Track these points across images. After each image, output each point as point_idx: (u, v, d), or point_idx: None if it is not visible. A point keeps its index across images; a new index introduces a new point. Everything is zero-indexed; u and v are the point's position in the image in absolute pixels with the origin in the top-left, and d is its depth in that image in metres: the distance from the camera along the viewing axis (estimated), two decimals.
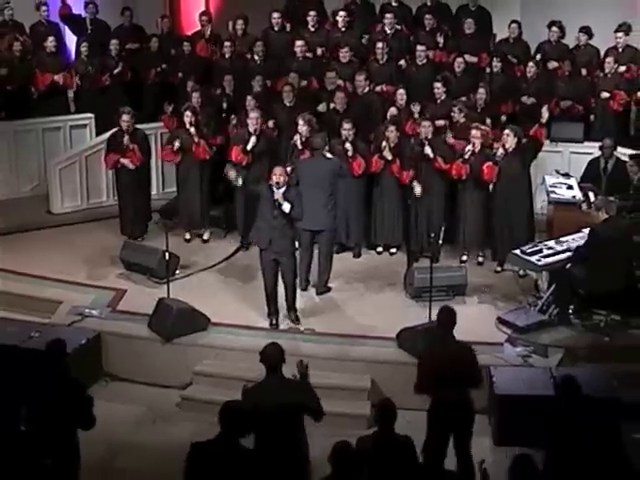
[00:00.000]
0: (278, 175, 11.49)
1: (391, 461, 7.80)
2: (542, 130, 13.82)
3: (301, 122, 13.32)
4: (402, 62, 15.89)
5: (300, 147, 13.29)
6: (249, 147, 13.51)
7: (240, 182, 12.71)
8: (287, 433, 8.33)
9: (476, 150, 13.22)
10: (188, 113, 13.90)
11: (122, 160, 13.84)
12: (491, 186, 13.22)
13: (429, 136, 13.36)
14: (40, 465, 7.96)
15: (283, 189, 11.47)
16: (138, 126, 14.25)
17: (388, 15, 16.35)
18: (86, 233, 14.59)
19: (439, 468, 8.20)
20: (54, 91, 15.94)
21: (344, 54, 15.55)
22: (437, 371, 9.19)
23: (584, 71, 15.70)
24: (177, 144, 13.83)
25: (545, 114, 13.67)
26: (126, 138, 13.86)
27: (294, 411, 8.37)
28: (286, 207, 11.43)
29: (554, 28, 15.98)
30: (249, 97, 14.38)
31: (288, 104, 14.50)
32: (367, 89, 14.86)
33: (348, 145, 13.32)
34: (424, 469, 7.91)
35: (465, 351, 9.46)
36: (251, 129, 13.55)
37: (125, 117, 13.87)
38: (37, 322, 11.92)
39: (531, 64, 15.38)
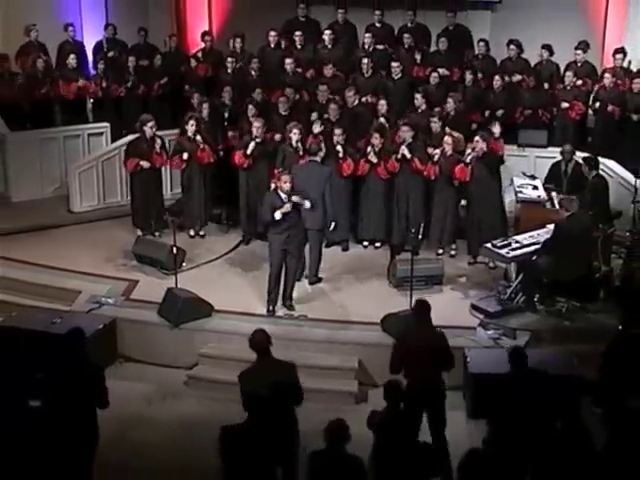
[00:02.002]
0: (285, 182, 11.53)
1: (397, 435, 7.80)
2: (498, 143, 13.69)
3: (294, 130, 13.31)
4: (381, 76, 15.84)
5: (296, 152, 13.22)
6: (249, 151, 13.48)
7: (308, 204, 11.91)
8: (279, 410, 8.25)
9: (447, 154, 13.23)
10: (192, 122, 13.83)
11: (142, 162, 13.76)
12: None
13: (408, 140, 13.34)
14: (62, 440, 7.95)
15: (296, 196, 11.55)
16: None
17: (367, 35, 16.45)
18: (102, 230, 14.52)
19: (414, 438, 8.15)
20: (75, 103, 15.88)
21: (328, 70, 15.58)
22: (410, 354, 9.17)
23: (546, 84, 15.71)
24: (185, 156, 13.78)
25: (497, 129, 13.54)
26: (158, 142, 13.84)
27: (285, 389, 8.31)
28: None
29: (512, 46, 16.06)
30: (250, 106, 14.36)
31: (283, 113, 14.46)
32: (356, 102, 14.82)
33: (339, 147, 13.32)
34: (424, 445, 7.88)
35: (438, 338, 9.43)
36: (254, 135, 13.53)
37: (150, 124, 13.82)
38: (59, 310, 11.86)
39: (497, 77, 15.38)
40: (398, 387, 8.08)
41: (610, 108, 14.91)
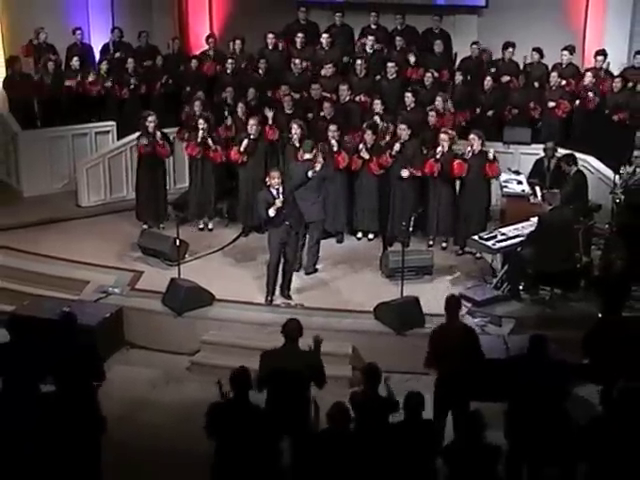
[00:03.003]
0: (274, 177, 11.51)
1: (376, 413, 7.87)
2: (493, 166, 13.24)
3: (295, 127, 13.32)
4: (378, 77, 15.82)
5: (297, 147, 13.20)
6: (242, 148, 13.50)
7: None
8: (295, 393, 8.38)
9: (445, 150, 13.23)
10: (201, 121, 13.78)
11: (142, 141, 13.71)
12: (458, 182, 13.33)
13: (406, 137, 13.34)
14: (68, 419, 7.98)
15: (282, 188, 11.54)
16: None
17: (370, 37, 16.37)
18: (109, 223, 14.51)
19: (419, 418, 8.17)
20: (82, 102, 15.84)
21: (327, 69, 15.55)
22: (444, 350, 9.07)
23: (536, 84, 15.67)
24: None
25: (491, 154, 13.41)
26: (158, 135, 13.79)
27: (303, 376, 8.41)
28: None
29: (510, 49, 16.03)
30: (240, 104, 14.36)
31: (288, 111, 14.45)
32: (348, 98, 14.81)
33: (334, 142, 13.32)
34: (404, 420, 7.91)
35: (469, 334, 9.33)
36: (248, 132, 13.53)
37: (150, 118, 13.79)
38: (68, 299, 11.85)
39: (488, 78, 15.38)
40: (376, 370, 8.10)
41: (591, 94, 14.95)
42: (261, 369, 8.45)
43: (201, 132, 13.72)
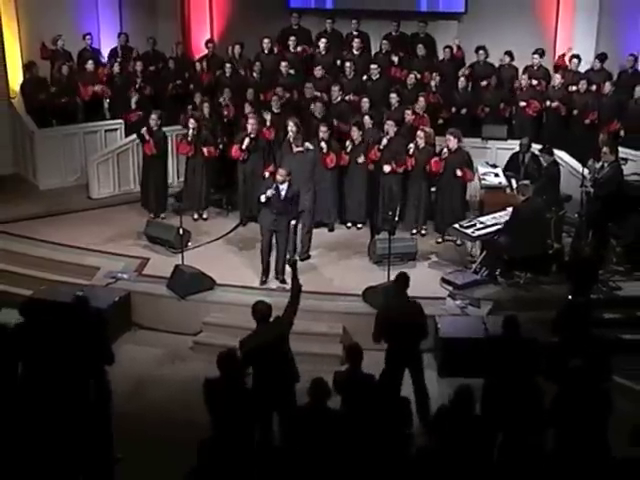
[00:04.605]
0: (281, 175, 11.55)
1: (359, 391, 7.81)
2: (438, 162, 13.22)
3: (291, 124, 13.28)
4: (364, 77, 15.79)
5: (291, 143, 13.15)
6: (244, 146, 13.46)
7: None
8: (278, 363, 8.36)
9: (420, 147, 13.22)
10: (192, 121, 13.77)
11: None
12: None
13: (392, 133, 13.32)
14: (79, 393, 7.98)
15: (285, 185, 11.54)
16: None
17: (356, 40, 16.37)
18: (118, 214, 14.48)
19: (396, 395, 8.18)
20: (94, 103, 15.81)
21: (317, 71, 15.52)
22: (391, 323, 9.18)
23: (508, 84, 15.71)
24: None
25: (445, 150, 13.28)
26: (144, 130, 13.78)
27: (280, 340, 8.41)
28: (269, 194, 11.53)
29: (481, 51, 16.02)
30: (246, 104, 14.32)
31: (275, 110, 14.40)
32: (339, 98, 14.78)
33: (323, 144, 13.29)
34: (384, 397, 7.91)
35: (416, 308, 9.43)
36: (250, 130, 13.49)
37: (153, 116, 13.83)
38: (81, 284, 11.84)
39: (462, 79, 15.37)
40: (359, 351, 8.06)
41: (555, 104, 14.97)
42: (243, 355, 8.35)
43: (191, 131, 13.73)
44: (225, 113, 14.80)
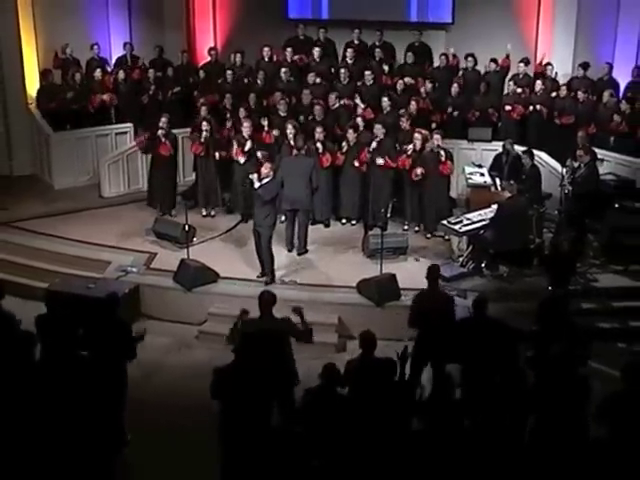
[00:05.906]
0: (267, 169, 11.52)
1: (372, 378, 7.75)
2: (446, 165, 13.18)
3: (289, 127, 13.28)
4: (359, 83, 15.77)
5: (291, 145, 13.12)
6: (247, 148, 13.47)
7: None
8: (276, 352, 8.33)
9: (417, 148, 13.22)
10: (205, 124, 13.79)
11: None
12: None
13: (381, 136, 13.30)
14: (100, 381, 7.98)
15: (267, 179, 11.47)
16: None
17: (349, 49, 16.35)
18: (127, 211, 14.49)
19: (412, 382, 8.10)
20: (104, 109, 15.79)
21: (312, 78, 15.51)
22: (422, 312, 9.15)
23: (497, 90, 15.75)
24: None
25: (437, 138, 13.27)
26: (161, 132, 13.76)
27: (280, 334, 8.40)
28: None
29: (469, 59, 16.03)
30: (241, 108, 14.29)
31: (282, 114, 14.37)
32: (337, 104, 14.78)
33: (319, 144, 13.30)
34: (398, 384, 7.84)
35: (445, 297, 9.42)
36: (245, 134, 13.48)
37: (163, 119, 13.83)
38: (93, 277, 11.86)
39: (455, 85, 15.36)
40: (372, 338, 7.99)
41: (538, 107, 14.99)
42: (243, 336, 8.26)
43: (204, 133, 13.74)
44: (227, 116, 14.78)
